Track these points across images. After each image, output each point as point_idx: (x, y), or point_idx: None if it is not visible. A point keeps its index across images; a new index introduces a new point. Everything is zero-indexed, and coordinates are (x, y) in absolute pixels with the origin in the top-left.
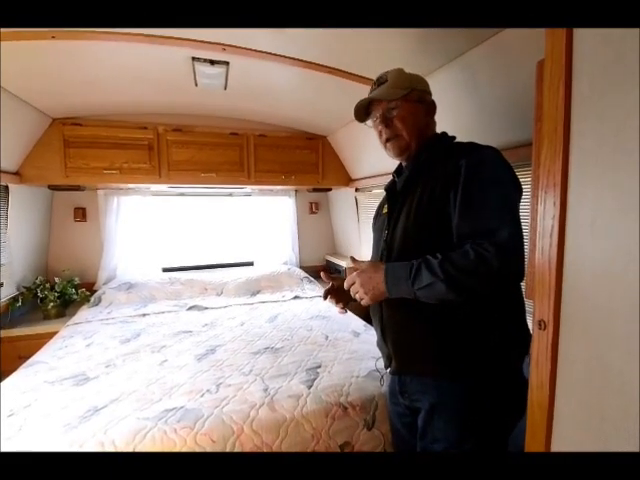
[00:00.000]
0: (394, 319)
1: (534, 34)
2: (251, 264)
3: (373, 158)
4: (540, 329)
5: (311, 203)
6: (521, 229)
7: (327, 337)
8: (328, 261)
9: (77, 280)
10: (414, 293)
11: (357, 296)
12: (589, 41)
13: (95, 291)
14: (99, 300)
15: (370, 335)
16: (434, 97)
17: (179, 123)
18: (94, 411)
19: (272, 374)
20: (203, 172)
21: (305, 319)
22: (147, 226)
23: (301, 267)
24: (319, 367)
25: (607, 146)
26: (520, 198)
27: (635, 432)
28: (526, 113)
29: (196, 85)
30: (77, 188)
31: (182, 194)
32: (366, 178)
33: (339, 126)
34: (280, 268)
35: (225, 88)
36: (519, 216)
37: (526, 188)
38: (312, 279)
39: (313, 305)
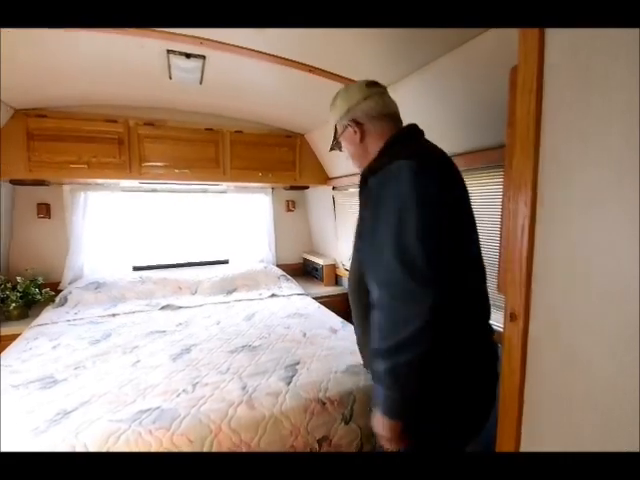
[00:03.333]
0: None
1: (504, 42)
2: (226, 262)
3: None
4: (512, 321)
5: (288, 201)
6: (414, 251)
7: (305, 334)
8: (305, 259)
9: (41, 279)
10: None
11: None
12: (559, 51)
13: (60, 291)
14: (65, 300)
15: (347, 332)
16: (407, 102)
17: (151, 117)
18: (64, 414)
19: (250, 372)
20: (177, 168)
21: (283, 317)
22: (117, 223)
23: (278, 265)
24: (298, 364)
25: (574, 151)
26: (429, 209)
27: (599, 417)
28: (496, 118)
29: (170, 78)
30: (41, 183)
31: (154, 190)
32: (343, 177)
33: (317, 125)
34: (256, 266)
35: (201, 83)
36: (422, 232)
37: (497, 189)
38: (289, 277)
39: (290, 303)
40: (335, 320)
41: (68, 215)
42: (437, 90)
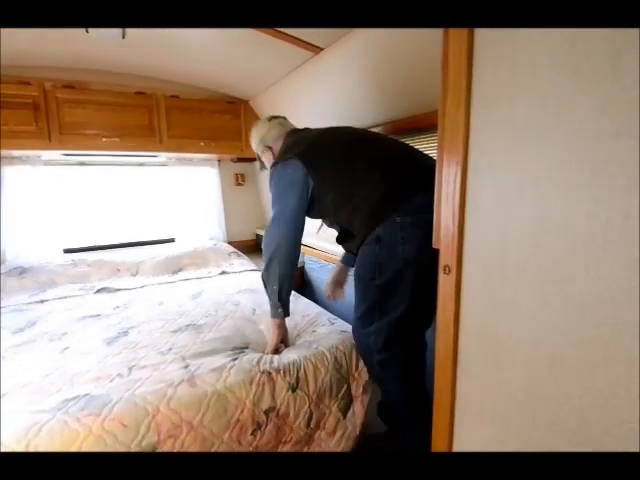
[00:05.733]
0: None
1: None
2: (172, 241)
3: (298, 125)
4: (445, 274)
5: (237, 174)
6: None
7: (254, 311)
8: (258, 235)
9: None
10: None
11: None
12: None
13: None
14: None
15: (298, 305)
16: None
17: (71, 79)
18: None
19: (194, 351)
20: (104, 136)
21: (232, 293)
22: (42, 202)
23: (229, 242)
24: (245, 340)
25: (502, 90)
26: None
27: (524, 357)
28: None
29: (87, 31)
30: None
31: (82, 163)
32: None
33: (261, 89)
34: (205, 244)
35: (123, 37)
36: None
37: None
38: (241, 254)
39: (241, 279)
40: None
41: None
42: (381, 52)
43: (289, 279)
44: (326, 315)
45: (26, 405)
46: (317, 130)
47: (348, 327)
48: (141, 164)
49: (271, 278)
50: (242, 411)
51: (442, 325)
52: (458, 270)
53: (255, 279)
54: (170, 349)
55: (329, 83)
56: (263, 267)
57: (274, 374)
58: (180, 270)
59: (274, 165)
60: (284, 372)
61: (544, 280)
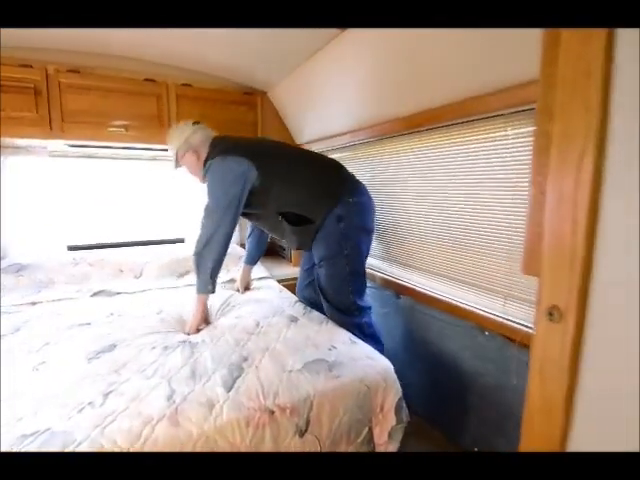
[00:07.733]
0: None
1: None
2: (182, 241)
3: (321, 117)
4: (552, 321)
5: None
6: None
7: (258, 324)
8: (272, 238)
9: None
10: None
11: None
12: None
13: None
14: None
15: (309, 319)
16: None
17: (76, 63)
18: None
19: (184, 375)
20: (109, 126)
21: (236, 305)
22: (48, 195)
23: (242, 245)
24: (245, 361)
25: None
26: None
27: None
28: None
29: None
30: None
31: (90, 156)
32: (313, 141)
33: (280, 78)
34: None
35: None
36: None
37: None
38: None
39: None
40: (297, 306)
41: None
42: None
43: (222, 260)
44: (346, 334)
45: None
46: (254, 137)
47: (374, 353)
48: (153, 158)
49: (207, 256)
50: None
51: (538, 405)
52: (578, 318)
53: (263, 288)
54: (156, 371)
55: (355, 65)
56: (198, 246)
57: (278, 413)
58: (186, 273)
59: (214, 158)
60: (291, 411)
61: None
